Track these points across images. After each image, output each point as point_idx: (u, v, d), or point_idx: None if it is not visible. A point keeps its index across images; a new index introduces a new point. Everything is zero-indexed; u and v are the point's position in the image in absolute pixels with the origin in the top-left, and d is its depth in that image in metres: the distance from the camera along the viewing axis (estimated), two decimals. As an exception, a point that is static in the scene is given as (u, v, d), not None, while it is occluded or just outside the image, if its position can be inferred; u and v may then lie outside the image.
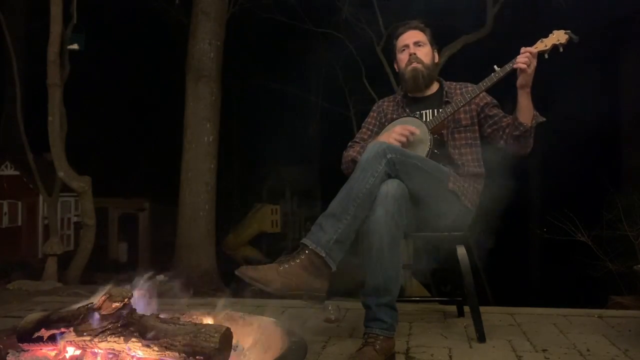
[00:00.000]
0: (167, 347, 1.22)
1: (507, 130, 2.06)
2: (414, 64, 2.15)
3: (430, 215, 1.92)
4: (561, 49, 1.96)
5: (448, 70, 6.64)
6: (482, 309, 2.02)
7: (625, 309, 3.38)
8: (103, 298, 1.29)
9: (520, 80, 1.93)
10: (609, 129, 8.88)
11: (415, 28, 2.22)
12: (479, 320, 1.96)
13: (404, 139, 1.99)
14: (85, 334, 1.27)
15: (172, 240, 5.69)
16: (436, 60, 2.24)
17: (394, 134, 2.01)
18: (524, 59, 1.91)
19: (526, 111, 1.96)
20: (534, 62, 1.92)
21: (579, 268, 4.92)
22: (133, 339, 1.24)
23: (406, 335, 2.07)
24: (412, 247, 7.42)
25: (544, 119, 2.02)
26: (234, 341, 1.31)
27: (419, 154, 1.96)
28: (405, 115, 2.19)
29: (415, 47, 2.18)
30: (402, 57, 2.21)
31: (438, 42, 2.28)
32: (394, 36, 2.30)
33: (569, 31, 1.96)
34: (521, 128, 1.97)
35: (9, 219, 7.13)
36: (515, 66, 1.93)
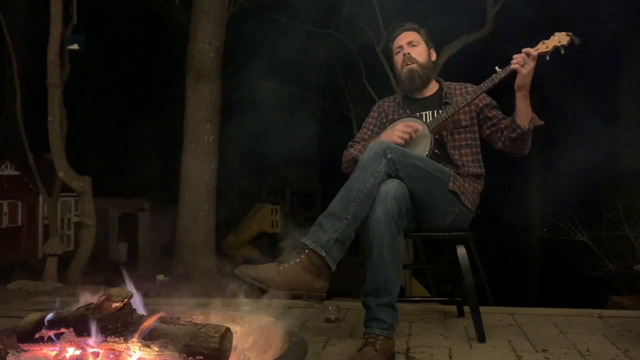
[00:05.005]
0: (167, 347, 1.22)
1: (505, 132, 2.06)
2: (409, 65, 2.16)
3: (431, 215, 1.92)
4: (562, 51, 1.95)
5: (448, 70, 6.64)
6: (482, 309, 2.02)
7: (625, 309, 3.38)
8: (103, 298, 1.29)
9: (517, 82, 1.93)
10: (609, 129, 8.89)
11: (409, 29, 2.23)
12: (479, 320, 1.96)
13: (406, 136, 2.00)
14: (85, 334, 1.27)
15: (172, 240, 5.69)
16: (433, 58, 2.25)
17: (397, 131, 2.02)
18: (518, 59, 1.91)
19: (524, 114, 1.96)
20: (531, 64, 1.91)
21: (579, 268, 4.93)
22: (133, 339, 1.24)
23: (406, 335, 2.07)
24: (412, 247, 7.46)
25: (542, 123, 2.01)
26: (234, 341, 1.31)
27: (420, 154, 1.96)
28: (406, 116, 2.19)
29: (408, 47, 2.18)
30: (397, 59, 2.23)
31: (435, 41, 2.28)
32: (390, 39, 2.31)
33: (570, 33, 1.95)
34: (518, 130, 1.97)
35: (9, 219, 7.14)
36: (511, 67, 1.93)
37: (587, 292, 4.84)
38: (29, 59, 7.69)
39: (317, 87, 11.38)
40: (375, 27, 7.48)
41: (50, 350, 1.34)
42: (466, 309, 2.22)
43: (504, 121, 2.09)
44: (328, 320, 2.27)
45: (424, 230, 1.97)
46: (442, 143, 2.11)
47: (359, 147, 2.20)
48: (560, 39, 1.95)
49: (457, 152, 2.09)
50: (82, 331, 1.27)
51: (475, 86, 2.09)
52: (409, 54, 2.17)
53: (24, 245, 7.15)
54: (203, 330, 1.23)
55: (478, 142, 2.14)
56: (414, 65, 2.16)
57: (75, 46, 5.24)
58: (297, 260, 1.64)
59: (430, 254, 7.86)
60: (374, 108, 2.37)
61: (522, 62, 1.90)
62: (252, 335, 1.50)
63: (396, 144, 1.99)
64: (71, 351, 1.32)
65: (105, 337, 1.25)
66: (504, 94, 2.08)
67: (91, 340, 1.26)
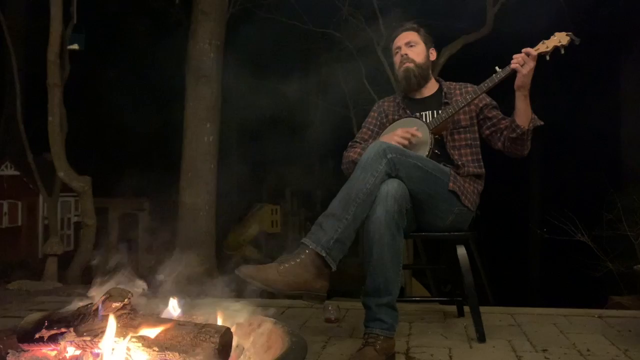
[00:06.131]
0: (167, 347, 1.22)
1: (504, 133, 2.06)
2: (405, 64, 2.18)
3: (431, 215, 1.92)
4: (562, 51, 1.95)
5: (448, 70, 6.64)
6: (482, 309, 2.02)
7: (625, 309, 3.39)
8: (103, 298, 1.29)
9: (517, 82, 1.93)
10: (609, 129, 8.90)
11: (408, 29, 2.25)
12: (479, 320, 1.96)
13: (405, 142, 2.00)
14: (85, 334, 1.26)
15: (172, 240, 5.68)
16: (432, 58, 2.25)
17: (396, 136, 2.02)
18: (518, 58, 1.91)
19: (523, 114, 1.96)
20: (531, 64, 1.91)
21: (579, 268, 4.93)
22: (133, 339, 1.24)
23: (406, 335, 2.07)
24: (412, 247, 7.45)
25: (542, 123, 2.01)
26: (234, 341, 1.31)
27: (420, 154, 1.96)
28: (406, 116, 2.19)
29: (406, 48, 2.20)
30: (396, 60, 2.25)
31: (435, 41, 2.29)
32: (390, 39, 2.32)
33: (570, 33, 1.95)
34: (518, 131, 1.97)
35: (9, 219, 7.14)
36: (511, 67, 1.93)
37: (587, 292, 4.85)
38: (29, 59, 7.68)
39: (318, 87, 11.36)
40: (375, 27, 7.48)
41: (50, 350, 1.34)
42: (466, 309, 2.22)
43: (503, 121, 2.10)
44: (328, 320, 2.27)
45: (424, 230, 1.98)
46: (442, 143, 2.11)
47: (359, 149, 2.20)
48: (560, 38, 1.95)
49: (457, 152, 2.09)
50: (82, 331, 1.27)
51: (475, 86, 2.09)
52: (406, 54, 2.18)
53: (24, 245, 7.16)
54: (203, 330, 1.23)
55: (478, 142, 2.15)
56: (410, 65, 2.17)
57: (75, 46, 5.24)
58: (298, 260, 1.64)
59: (430, 254, 7.85)
60: (374, 108, 2.37)
61: (522, 62, 1.90)
62: (252, 335, 1.50)
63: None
64: (71, 351, 1.32)
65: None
66: (503, 94, 2.08)
67: (91, 340, 1.26)
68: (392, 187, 1.73)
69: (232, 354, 1.31)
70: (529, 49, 1.93)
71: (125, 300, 1.29)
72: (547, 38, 1.97)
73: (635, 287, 4.09)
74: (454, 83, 2.26)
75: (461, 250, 1.97)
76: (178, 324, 1.28)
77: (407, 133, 2.02)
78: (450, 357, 1.80)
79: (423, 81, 2.21)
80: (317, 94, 11.34)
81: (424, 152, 2.00)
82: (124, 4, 8.92)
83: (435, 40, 2.29)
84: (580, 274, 5.05)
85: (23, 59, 7.39)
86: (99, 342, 1.26)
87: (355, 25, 7.69)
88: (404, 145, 2.00)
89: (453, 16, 6.40)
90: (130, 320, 1.28)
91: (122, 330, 1.25)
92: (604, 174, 4.91)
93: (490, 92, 2.10)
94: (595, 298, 4.12)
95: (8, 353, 1.38)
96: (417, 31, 2.23)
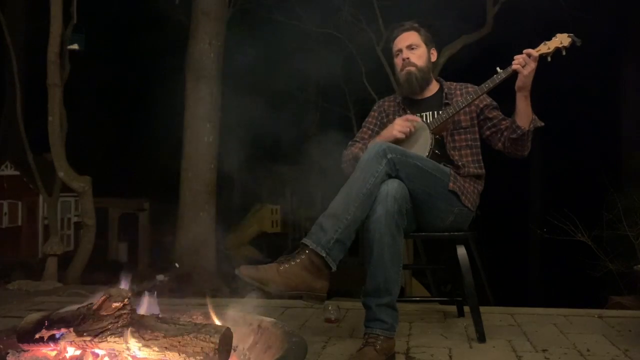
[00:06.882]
0: (167, 347, 1.22)
1: (505, 133, 2.06)
2: (407, 68, 2.16)
3: (431, 215, 1.92)
4: (564, 52, 1.95)
5: (448, 70, 6.64)
6: (482, 309, 2.02)
7: (625, 309, 3.38)
8: (103, 298, 1.29)
9: (517, 82, 1.93)
10: (609, 129, 8.90)
11: (408, 29, 2.22)
12: (479, 320, 1.96)
13: (407, 130, 2.00)
14: (85, 334, 1.27)
15: (172, 240, 5.68)
16: (433, 59, 2.24)
17: (397, 125, 2.02)
18: (519, 59, 1.91)
19: (524, 115, 1.96)
20: (532, 65, 1.91)
21: (579, 268, 4.93)
22: (133, 339, 1.24)
23: (406, 335, 2.07)
24: (412, 247, 7.45)
25: (542, 124, 2.01)
26: (234, 341, 1.31)
27: (420, 154, 1.96)
28: (407, 116, 2.19)
29: (408, 51, 2.17)
30: (397, 62, 2.23)
31: (435, 41, 2.27)
32: (390, 38, 2.31)
33: (572, 34, 1.95)
34: (518, 131, 1.97)
35: (9, 219, 7.15)
36: (512, 68, 1.93)
37: (587, 292, 4.85)
38: (29, 59, 7.69)
39: (317, 87, 11.36)
40: (375, 27, 7.48)
41: (50, 350, 1.34)
42: (466, 309, 2.22)
43: (504, 122, 2.09)
44: (328, 320, 2.27)
45: (424, 230, 1.97)
46: (442, 143, 2.11)
47: (360, 145, 2.20)
48: (561, 40, 1.94)
49: (457, 152, 2.09)
50: (82, 331, 1.27)
51: (476, 87, 2.09)
52: (408, 58, 2.16)
53: (24, 245, 7.16)
54: (203, 330, 1.23)
55: (478, 143, 2.14)
56: (412, 69, 2.15)
57: (75, 46, 5.23)
58: (298, 260, 1.64)
59: (430, 254, 7.85)
60: (374, 108, 2.37)
61: (523, 63, 1.90)
62: (252, 335, 1.50)
63: (397, 138, 1.99)
64: (71, 351, 1.32)
65: (105, 337, 1.25)
66: (504, 94, 2.08)
67: (91, 340, 1.26)
68: (392, 187, 1.73)
69: (232, 354, 1.31)
70: (530, 50, 1.93)
71: (125, 300, 1.29)
72: (549, 39, 1.97)
73: (635, 287, 4.09)
74: (455, 83, 2.25)
75: (461, 250, 1.97)
76: (178, 324, 1.28)
77: (407, 121, 2.02)
78: (450, 357, 1.80)
79: (424, 84, 2.20)
80: (317, 94, 11.34)
81: (424, 151, 2.00)
82: (124, 4, 8.92)
83: (435, 40, 2.27)
84: (580, 274, 5.05)
85: (23, 59, 7.39)
86: (99, 342, 1.26)
87: (355, 25, 7.69)
88: (406, 134, 2.00)
89: (453, 16, 6.39)
90: (130, 320, 1.28)
91: (122, 330, 1.25)
92: (604, 174, 4.91)
93: (490, 93, 2.10)
94: (595, 298, 4.12)
95: (8, 353, 1.38)
96: (418, 31, 2.21)
